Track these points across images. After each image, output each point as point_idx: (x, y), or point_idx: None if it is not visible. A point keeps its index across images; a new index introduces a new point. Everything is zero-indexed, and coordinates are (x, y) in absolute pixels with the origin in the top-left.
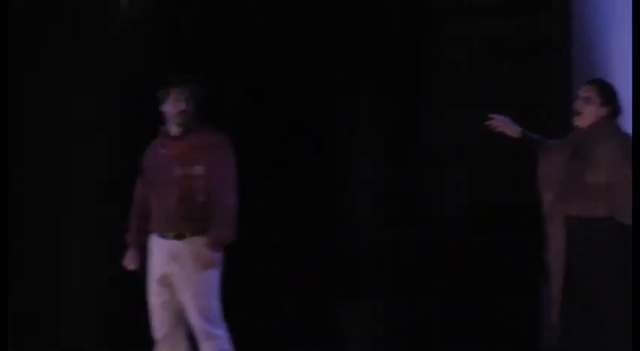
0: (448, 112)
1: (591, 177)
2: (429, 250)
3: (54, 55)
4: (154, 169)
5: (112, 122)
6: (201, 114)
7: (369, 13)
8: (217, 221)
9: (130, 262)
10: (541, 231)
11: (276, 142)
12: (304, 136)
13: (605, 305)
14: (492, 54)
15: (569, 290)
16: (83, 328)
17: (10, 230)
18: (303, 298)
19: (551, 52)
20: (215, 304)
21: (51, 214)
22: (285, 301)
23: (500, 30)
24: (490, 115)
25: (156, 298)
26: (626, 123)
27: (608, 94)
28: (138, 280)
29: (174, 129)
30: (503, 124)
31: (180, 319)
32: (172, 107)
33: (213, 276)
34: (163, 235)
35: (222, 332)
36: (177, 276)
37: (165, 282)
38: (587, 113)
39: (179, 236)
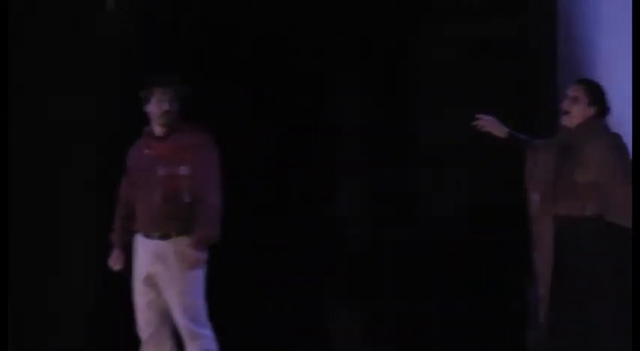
0: (437, 112)
1: (580, 176)
2: (422, 251)
3: (54, 55)
4: (138, 169)
5: (112, 122)
6: (188, 114)
7: (362, 13)
8: (202, 221)
9: (114, 263)
10: (528, 231)
11: (274, 142)
12: (300, 136)
13: (594, 305)
14: (480, 54)
15: (557, 290)
16: (82, 329)
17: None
18: (298, 298)
19: (537, 51)
20: (200, 303)
21: (50, 214)
22: (278, 301)
23: (488, 30)
24: (477, 116)
25: (141, 297)
26: (626, 123)
27: (596, 94)
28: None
29: (158, 129)
30: (490, 125)
31: (165, 318)
32: (156, 107)
33: (199, 276)
34: (148, 235)
35: (207, 332)
36: (162, 276)
37: (151, 282)
38: (575, 113)
39: (164, 236)
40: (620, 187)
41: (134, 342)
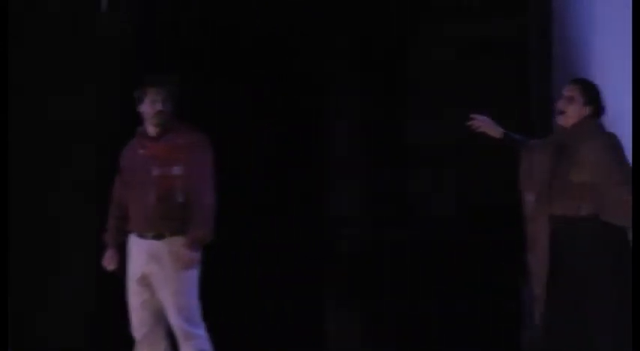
0: (432, 112)
1: (576, 176)
2: (420, 251)
3: (53, 55)
4: (132, 170)
5: (112, 122)
6: (187, 114)
7: (361, 13)
8: (196, 221)
9: (108, 263)
10: (523, 231)
11: (274, 142)
12: (299, 136)
13: (589, 305)
14: (475, 54)
15: (553, 290)
16: (82, 329)
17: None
18: (297, 299)
19: (532, 51)
20: (194, 303)
21: (50, 214)
22: (278, 301)
23: (483, 30)
24: (471, 116)
25: (135, 297)
26: (621, 122)
27: (591, 94)
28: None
29: (151, 129)
30: (485, 125)
31: (159, 318)
32: (149, 108)
33: (193, 276)
34: (142, 235)
35: (201, 332)
36: (156, 276)
37: (145, 282)
38: (571, 112)
39: (158, 236)
40: (615, 187)
41: (133, 342)
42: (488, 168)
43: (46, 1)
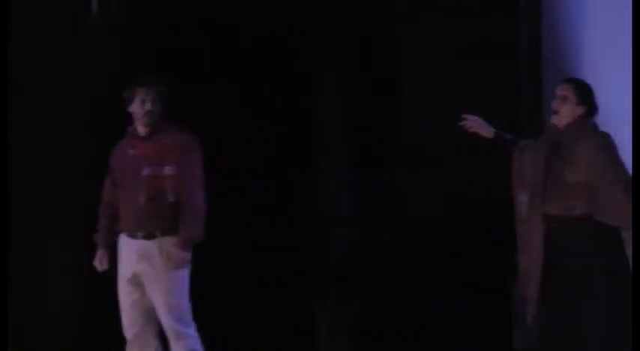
0: (425, 112)
1: (570, 176)
2: (418, 251)
3: (52, 54)
4: (122, 170)
5: (109, 123)
6: (186, 113)
7: (347, 14)
8: (187, 221)
9: (99, 263)
10: (512, 231)
11: (274, 142)
12: (299, 136)
13: (583, 305)
14: (465, 54)
15: (548, 290)
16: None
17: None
18: (296, 299)
19: (522, 51)
20: (185, 303)
21: (49, 213)
22: (266, 301)
23: (473, 30)
24: (463, 116)
25: (126, 297)
26: (618, 122)
27: (584, 93)
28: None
29: (141, 129)
30: (477, 125)
31: (150, 318)
32: (139, 108)
33: (183, 275)
34: (132, 235)
35: (192, 331)
36: (147, 275)
37: (135, 281)
38: (564, 112)
39: (148, 236)
40: (609, 187)
41: (124, 342)
42: (482, 168)
43: (37, 1)
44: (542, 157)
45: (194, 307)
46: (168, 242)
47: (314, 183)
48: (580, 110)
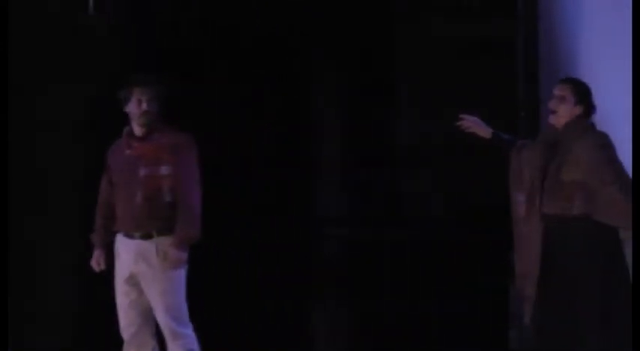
0: (422, 112)
1: (567, 175)
2: (416, 251)
3: (53, 56)
4: (118, 170)
5: (109, 123)
6: (185, 113)
7: (343, 14)
8: (184, 221)
9: (97, 264)
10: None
11: (274, 142)
12: (300, 136)
13: (581, 304)
14: (462, 54)
15: (546, 290)
16: (69, 329)
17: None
18: (295, 299)
19: (519, 51)
20: (182, 303)
21: (48, 212)
22: (262, 302)
23: (470, 31)
24: (461, 116)
25: (123, 297)
26: (615, 122)
27: (582, 93)
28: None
29: (137, 129)
30: (474, 125)
31: (147, 318)
32: (136, 108)
33: (180, 275)
34: (129, 235)
35: (189, 331)
36: (144, 275)
37: (133, 281)
38: (562, 112)
39: (146, 236)
40: (607, 187)
41: (121, 342)
42: (482, 168)
43: (37, 1)
44: (540, 157)
45: (193, 307)
46: (165, 242)
47: (314, 183)
48: (578, 110)
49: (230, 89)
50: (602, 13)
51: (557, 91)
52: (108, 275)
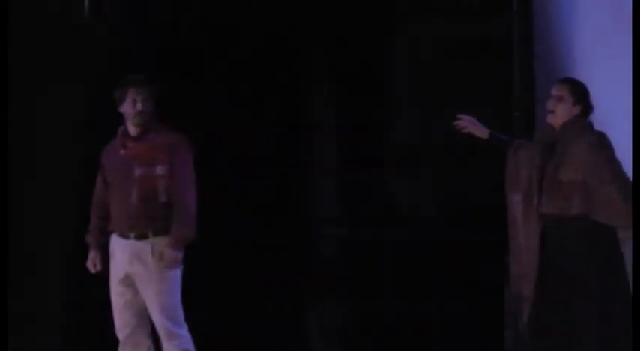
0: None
1: (565, 175)
2: (415, 251)
3: (53, 56)
4: (113, 170)
5: (108, 123)
6: (185, 113)
7: (343, 14)
8: (179, 221)
9: (92, 264)
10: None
11: (274, 142)
12: (299, 136)
13: (578, 304)
14: (457, 54)
15: (543, 290)
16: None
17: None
18: (295, 299)
19: (514, 51)
20: (178, 303)
21: (48, 213)
22: (261, 301)
23: (465, 30)
24: (457, 116)
25: (118, 297)
26: (612, 121)
27: (580, 93)
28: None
29: (132, 129)
30: (471, 125)
31: (142, 318)
32: (130, 108)
33: (176, 275)
34: (125, 235)
35: (184, 331)
36: (139, 275)
37: (128, 282)
38: (560, 112)
39: (141, 236)
40: (605, 186)
41: (117, 342)
42: (481, 168)
43: (37, 1)
44: (538, 157)
45: (193, 307)
46: (161, 242)
47: (314, 183)
48: (576, 110)
49: (230, 89)
50: (597, 11)
51: (555, 91)
52: (106, 275)
